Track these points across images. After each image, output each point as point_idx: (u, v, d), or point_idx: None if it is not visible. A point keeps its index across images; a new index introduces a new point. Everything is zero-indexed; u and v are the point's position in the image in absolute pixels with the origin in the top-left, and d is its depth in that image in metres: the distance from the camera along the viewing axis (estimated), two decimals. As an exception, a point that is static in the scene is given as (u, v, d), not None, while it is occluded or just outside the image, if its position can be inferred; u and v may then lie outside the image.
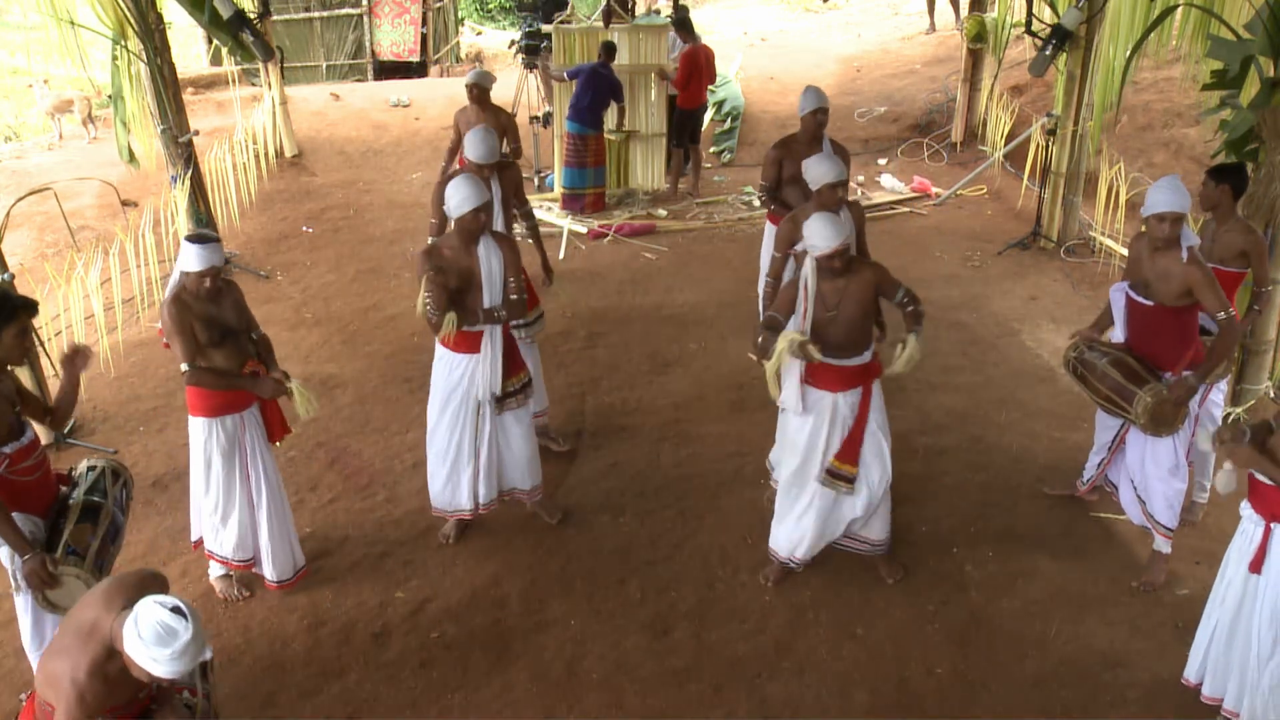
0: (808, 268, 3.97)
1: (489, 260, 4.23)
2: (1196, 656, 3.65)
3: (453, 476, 4.50)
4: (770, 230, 5.65)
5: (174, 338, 3.83)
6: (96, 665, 2.55)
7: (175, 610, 2.51)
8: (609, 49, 8.53)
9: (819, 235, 3.86)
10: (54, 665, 2.60)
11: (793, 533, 4.28)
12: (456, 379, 4.38)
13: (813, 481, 4.15)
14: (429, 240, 5.09)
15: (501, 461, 4.57)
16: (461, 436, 4.44)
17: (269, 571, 4.29)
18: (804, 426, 4.12)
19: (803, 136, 5.43)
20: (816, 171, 4.51)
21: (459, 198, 4.12)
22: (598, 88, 8.45)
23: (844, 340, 3.99)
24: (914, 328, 4.01)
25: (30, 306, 3.45)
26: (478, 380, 4.36)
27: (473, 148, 4.90)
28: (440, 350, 4.42)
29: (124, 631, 2.52)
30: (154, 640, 2.48)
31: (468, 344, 4.32)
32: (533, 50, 9.27)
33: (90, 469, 3.69)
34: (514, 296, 4.32)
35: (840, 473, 4.11)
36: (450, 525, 4.68)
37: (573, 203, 8.89)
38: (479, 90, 6.75)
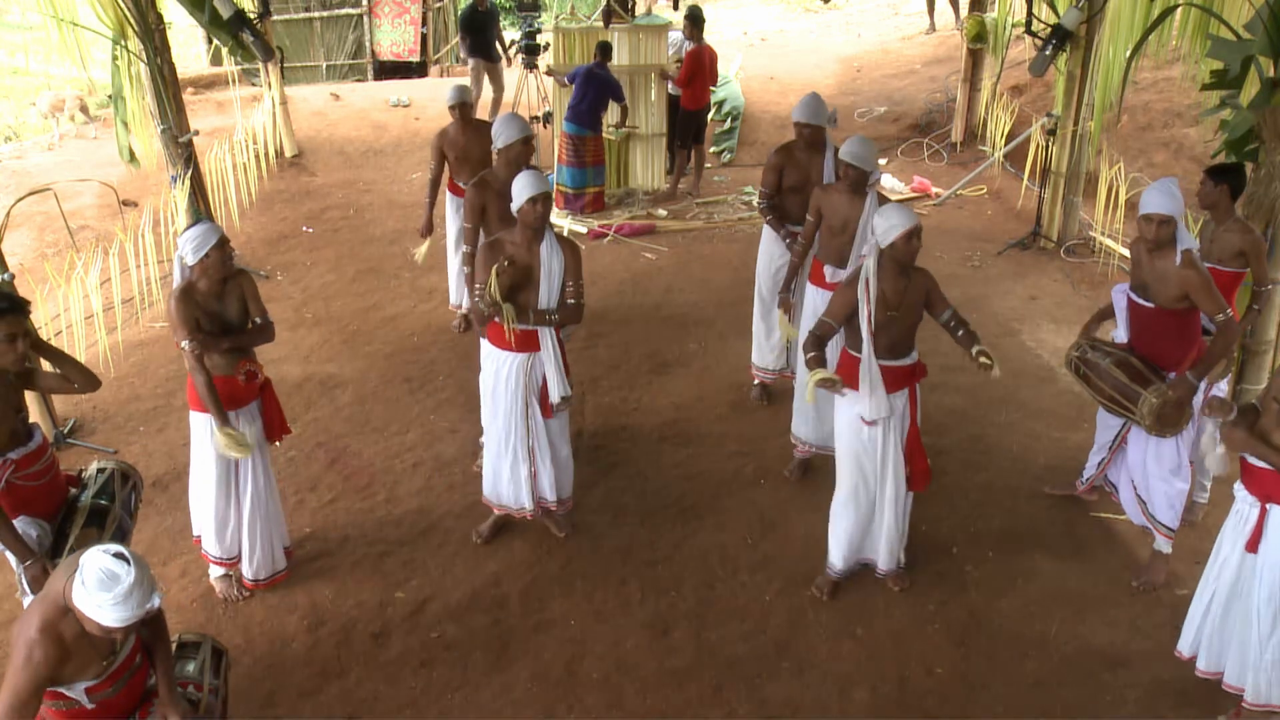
0: (869, 267, 3.90)
1: (550, 260, 4.18)
2: (1190, 630, 3.69)
3: (515, 474, 4.48)
4: (769, 233, 5.55)
5: (177, 328, 3.84)
6: (48, 624, 2.54)
7: (118, 556, 2.52)
8: (604, 49, 8.51)
9: (896, 217, 3.82)
10: (13, 632, 2.60)
11: (865, 542, 4.30)
12: (505, 378, 4.33)
13: (886, 488, 4.16)
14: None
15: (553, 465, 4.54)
16: (519, 437, 4.41)
17: (246, 569, 4.31)
18: (866, 427, 4.07)
19: (800, 143, 5.25)
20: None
21: (519, 187, 4.08)
22: (594, 89, 8.44)
23: (898, 341, 4.01)
24: (978, 345, 3.97)
25: (19, 307, 3.34)
26: (526, 380, 4.31)
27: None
28: (487, 348, 4.38)
29: (72, 585, 2.52)
30: (97, 586, 2.48)
31: (519, 342, 4.25)
32: (532, 50, 9.28)
33: (100, 471, 3.69)
34: (571, 300, 4.26)
35: (912, 477, 4.20)
36: (488, 525, 4.65)
37: (572, 202, 8.90)
38: (464, 108, 6.41)
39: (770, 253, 5.58)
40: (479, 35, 10.65)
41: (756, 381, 5.88)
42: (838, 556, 4.30)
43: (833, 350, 4.26)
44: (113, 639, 2.68)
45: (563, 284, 4.24)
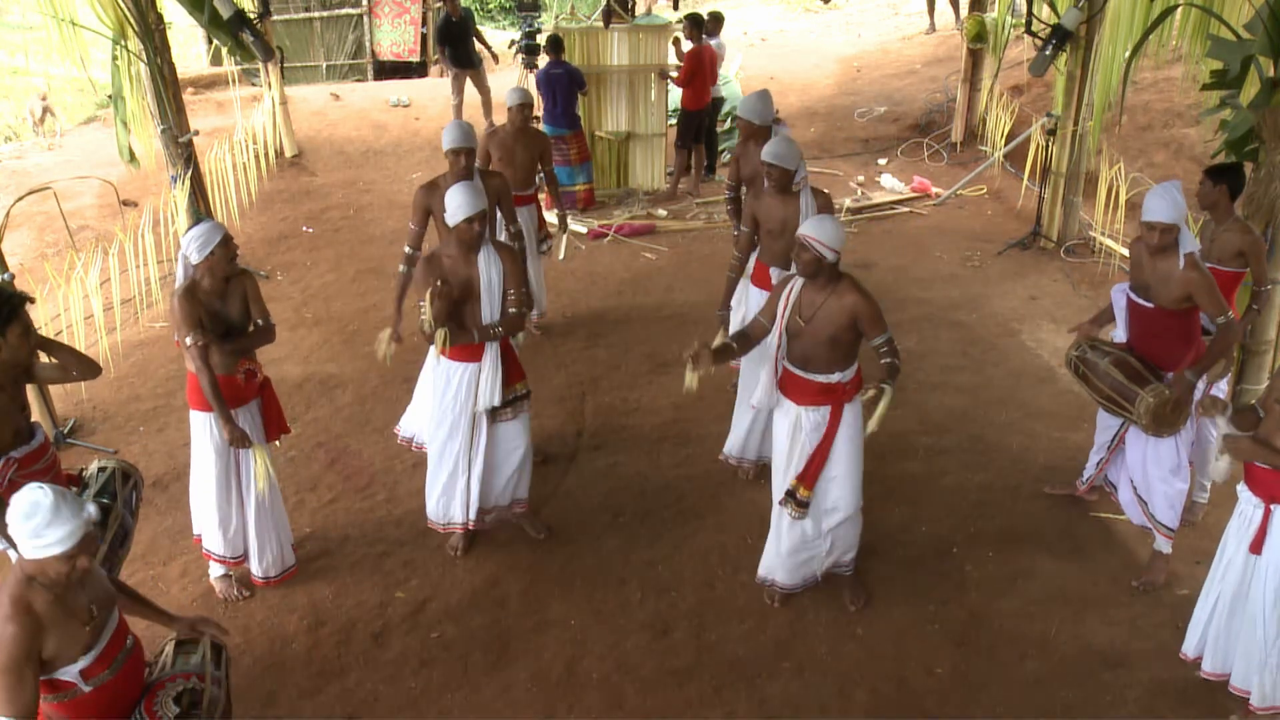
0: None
1: (489, 271, 4.15)
2: (1195, 632, 3.69)
3: (447, 489, 4.45)
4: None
5: (181, 326, 3.83)
6: (14, 598, 2.55)
7: (30, 490, 2.55)
8: (554, 44, 8.47)
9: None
10: None
11: (770, 557, 4.21)
12: (454, 390, 4.30)
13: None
14: (405, 249, 5.06)
15: (490, 472, 4.49)
16: (458, 448, 4.37)
17: (254, 567, 4.31)
18: (780, 433, 4.04)
19: (753, 139, 5.38)
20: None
21: (454, 204, 4.04)
22: (559, 87, 8.41)
23: (810, 354, 3.88)
24: (887, 380, 3.72)
25: (25, 299, 3.40)
26: (475, 391, 4.28)
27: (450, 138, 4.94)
28: (433, 358, 4.36)
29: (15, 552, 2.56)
30: (24, 519, 2.51)
31: (465, 353, 4.24)
32: (532, 50, 9.27)
33: (101, 470, 3.68)
34: (513, 310, 4.23)
35: (795, 493, 3.98)
36: (456, 537, 4.61)
37: (564, 200, 8.88)
38: (525, 110, 6.14)
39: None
40: (458, 45, 10.61)
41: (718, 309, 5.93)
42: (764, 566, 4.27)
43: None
44: (90, 607, 2.67)
45: (504, 293, 4.20)
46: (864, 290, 3.82)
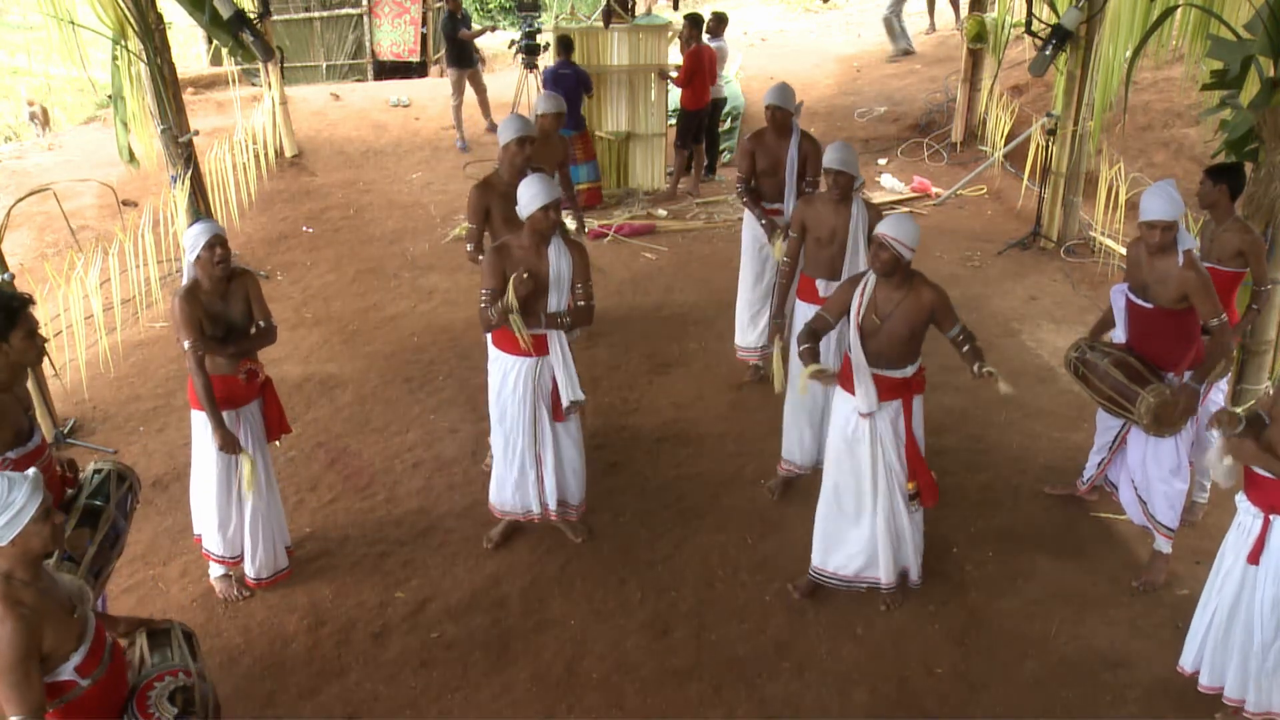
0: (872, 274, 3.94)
1: (559, 263, 4.15)
2: (1193, 645, 3.66)
3: (520, 483, 4.46)
4: (749, 217, 5.77)
5: (181, 329, 3.83)
6: (3, 594, 2.50)
7: None
8: (564, 44, 8.49)
9: (887, 226, 3.85)
10: None
11: (852, 549, 4.22)
12: (513, 383, 4.29)
13: (879, 500, 4.11)
14: (468, 248, 5.00)
15: (561, 470, 4.49)
16: (524, 443, 4.37)
17: (248, 568, 4.31)
18: (853, 431, 4.07)
19: (770, 128, 5.57)
20: (832, 157, 4.53)
21: (529, 195, 4.04)
22: (565, 88, 8.42)
23: (884, 351, 3.96)
24: (983, 363, 3.91)
25: (29, 302, 3.36)
26: (534, 385, 4.27)
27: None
28: (494, 352, 4.34)
29: None
30: None
31: (521, 347, 4.21)
32: (532, 50, 9.27)
33: (96, 472, 3.66)
34: (582, 303, 4.23)
35: (914, 496, 4.14)
36: (498, 529, 4.62)
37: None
38: (555, 119, 6.15)
39: (753, 232, 5.81)
40: (460, 43, 10.60)
41: (752, 364, 6.02)
42: (816, 556, 4.29)
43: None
44: (68, 597, 2.66)
45: (572, 286, 4.22)
46: (937, 286, 3.97)
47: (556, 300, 4.19)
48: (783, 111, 5.47)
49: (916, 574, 4.30)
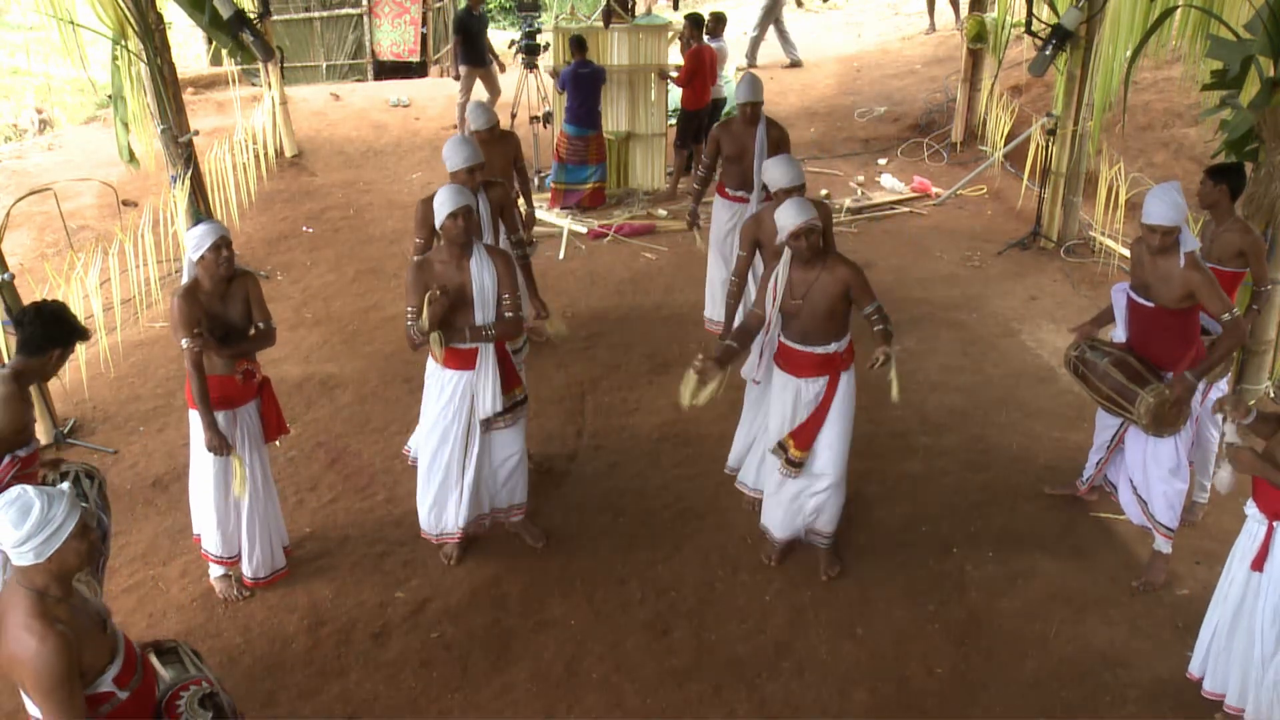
0: (786, 255, 4.08)
1: (481, 275, 4.09)
2: (1200, 652, 3.66)
3: (439, 499, 4.42)
4: (719, 201, 6.24)
5: (178, 329, 3.83)
6: (40, 613, 2.46)
7: (12, 498, 2.46)
8: (578, 44, 8.46)
9: (785, 215, 3.97)
10: (5, 651, 2.51)
11: (772, 510, 4.42)
12: (448, 397, 4.25)
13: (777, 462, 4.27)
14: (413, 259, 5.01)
15: (483, 480, 4.46)
16: (450, 457, 4.33)
17: (245, 567, 4.32)
18: (779, 406, 4.23)
19: (739, 119, 6.01)
20: (774, 175, 4.53)
21: (438, 204, 4.00)
22: (584, 88, 8.42)
23: (809, 329, 4.08)
24: (886, 347, 3.91)
25: (84, 335, 3.53)
26: (471, 398, 4.24)
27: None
28: (431, 366, 4.31)
29: (11, 566, 2.49)
30: (22, 521, 2.41)
31: (459, 360, 4.20)
32: (532, 50, 9.26)
33: (63, 475, 3.66)
34: (509, 314, 4.18)
35: (787, 449, 4.20)
36: (451, 546, 4.56)
37: (569, 197, 8.89)
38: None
39: (719, 219, 6.29)
40: (475, 41, 10.56)
41: (719, 336, 6.09)
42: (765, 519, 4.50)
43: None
44: (100, 613, 2.66)
45: (498, 298, 4.15)
46: (853, 263, 4.09)
47: (481, 312, 4.12)
48: (753, 105, 5.87)
49: (790, 532, 4.42)
